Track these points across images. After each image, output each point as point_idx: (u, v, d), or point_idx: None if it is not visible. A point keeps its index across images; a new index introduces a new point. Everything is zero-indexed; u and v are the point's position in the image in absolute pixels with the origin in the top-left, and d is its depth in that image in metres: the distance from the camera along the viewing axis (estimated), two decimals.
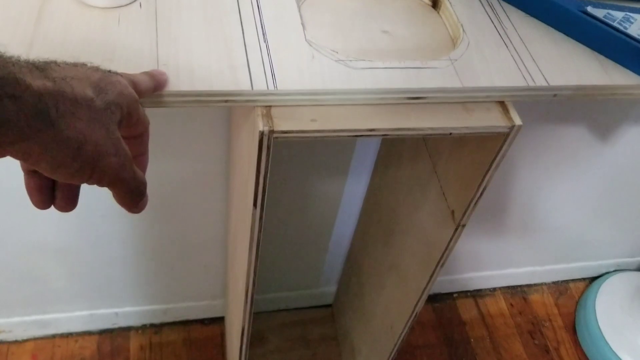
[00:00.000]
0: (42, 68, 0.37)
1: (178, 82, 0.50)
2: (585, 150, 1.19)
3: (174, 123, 0.91)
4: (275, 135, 0.52)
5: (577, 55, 0.62)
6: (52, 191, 0.42)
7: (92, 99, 0.38)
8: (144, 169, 0.48)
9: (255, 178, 0.57)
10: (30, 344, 1.26)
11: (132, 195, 0.43)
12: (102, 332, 1.30)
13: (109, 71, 0.42)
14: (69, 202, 0.43)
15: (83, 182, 0.39)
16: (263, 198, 0.59)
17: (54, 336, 1.28)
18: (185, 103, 0.51)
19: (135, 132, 0.45)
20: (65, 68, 0.39)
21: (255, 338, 1.33)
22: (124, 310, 1.29)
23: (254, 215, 0.61)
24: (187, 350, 1.31)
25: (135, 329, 1.32)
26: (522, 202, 1.29)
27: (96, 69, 0.42)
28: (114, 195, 0.43)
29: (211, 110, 0.89)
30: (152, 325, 1.33)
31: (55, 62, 0.39)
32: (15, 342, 1.26)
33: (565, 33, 0.64)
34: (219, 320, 1.36)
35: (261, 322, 1.35)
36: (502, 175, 1.20)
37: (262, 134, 0.52)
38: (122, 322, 1.31)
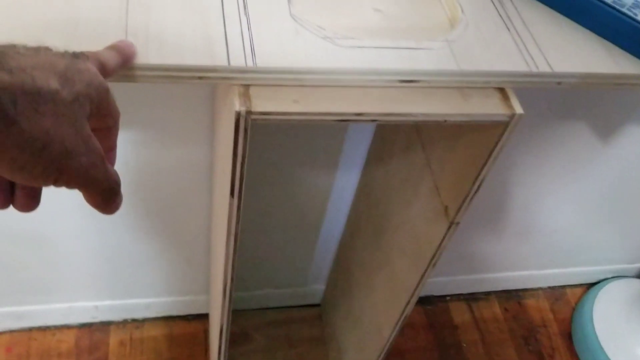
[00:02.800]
0: None
1: (147, 54, 0.46)
2: (586, 150, 1.15)
3: (152, 105, 0.86)
4: (253, 116, 0.48)
5: (583, 42, 0.58)
6: (10, 190, 0.38)
7: (58, 91, 0.34)
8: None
9: (232, 164, 0.52)
10: (6, 337, 1.22)
11: (104, 196, 0.39)
12: (81, 326, 1.26)
13: (75, 55, 0.38)
14: (29, 201, 0.39)
15: (48, 185, 0.35)
16: (241, 186, 0.55)
17: (30, 329, 1.24)
18: (154, 78, 0.47)
19: (103, 125, 0.41)
20: (25, 55, 0.34)
21: (240, 336, 1.30)
22: (104, 304, 1.25)
23: (231, 205, 0.57)
24: (169, 346, 1.27)
25: (116, 323, 1.28)
26: (519, 203, 1.25)
27: (62, 55, 0.37)
28: (84, 197, 0.38)
29: (193, 89, 0.85)
30: (134, 320, 1.29)
31: (14, 47, 0.34)
32: None
33: (570, 17, 0.60)
34: (204, 317, 1.32)
35: (246, 320, 1.32)
36: (499, 174, 1.16)
37: (238, 114, 0.48)
38: (102, 316, 1.27)
